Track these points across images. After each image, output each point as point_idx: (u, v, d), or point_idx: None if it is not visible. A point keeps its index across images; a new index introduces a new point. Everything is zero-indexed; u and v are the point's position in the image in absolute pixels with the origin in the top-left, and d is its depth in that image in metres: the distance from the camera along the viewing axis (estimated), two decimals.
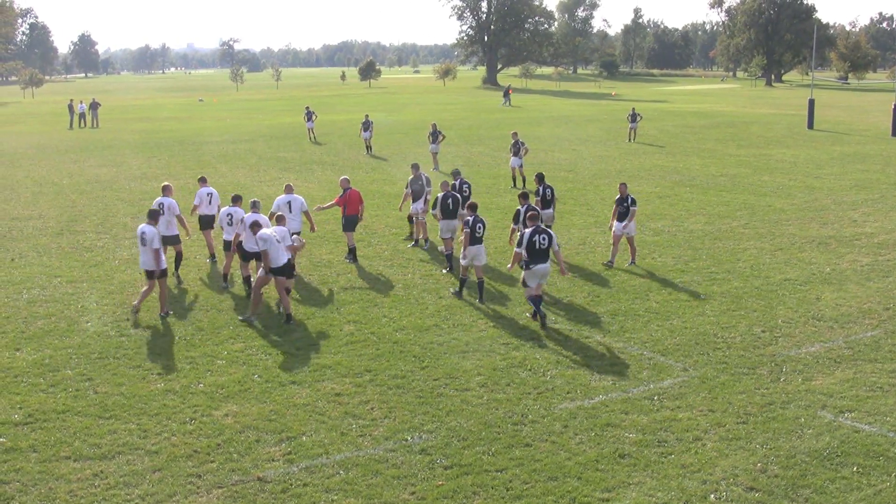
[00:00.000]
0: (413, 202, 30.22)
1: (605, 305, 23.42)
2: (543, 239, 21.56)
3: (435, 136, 52.99)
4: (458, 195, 28.32)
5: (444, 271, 27.17)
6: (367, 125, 61.65)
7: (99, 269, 27.80)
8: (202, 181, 28.84)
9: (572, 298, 24.10)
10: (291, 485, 14.00)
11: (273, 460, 14.73)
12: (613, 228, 27.80)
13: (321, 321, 22.26)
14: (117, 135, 78.11)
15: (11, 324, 22.22)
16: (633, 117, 67.42)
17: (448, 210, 27.46)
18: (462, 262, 24.08)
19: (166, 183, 27.60)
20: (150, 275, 22.75)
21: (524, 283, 22.04)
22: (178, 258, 26.75)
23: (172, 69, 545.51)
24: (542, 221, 23.11)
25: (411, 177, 30.34)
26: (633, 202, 27.59)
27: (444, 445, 15.19)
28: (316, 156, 58.54)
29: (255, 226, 22.42)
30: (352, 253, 28.49)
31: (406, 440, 15.39)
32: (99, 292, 25.15)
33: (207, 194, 27.99)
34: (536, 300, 21.91)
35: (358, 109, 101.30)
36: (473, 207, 24.43)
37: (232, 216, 25.00)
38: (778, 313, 22.63)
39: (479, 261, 24.00)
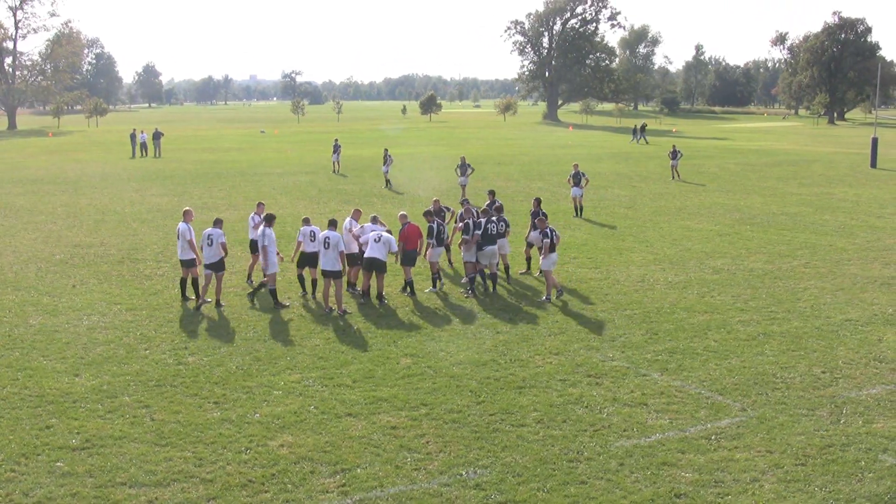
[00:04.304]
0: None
1: (663, 343, 23.25)
2: (492, 227, 28.73)
3: (464, 168, 54.89)
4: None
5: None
6: (386, 160, 62.30)
7: (158, 297, 28.05)
8: (305, 221, 29.05)
9: (630, 336, 23.97)
10: None
11: (327, 492, 14.73)
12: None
13: (378, 354, 22.29)
14: (179, 164, 79.01)
15: (71, 349, 22.48)
16: (674, 154, 67.25)
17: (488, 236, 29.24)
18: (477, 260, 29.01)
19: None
20: (333, 275, 26.17)
21: (477, 261, 28.72)
22: (194, 283, 27.87)
23: (234, 101, 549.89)
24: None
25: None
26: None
27: (499, 481, 15.12)
28: (376, 189, 58.82)
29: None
30: (409, 286, 28.55)
31: (461, 475, 15.34)
32: (158, 320, 25.39)
33: (310, 232, 28.26)
34: (493, 277, 29.06)
35: (418, 143, 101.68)
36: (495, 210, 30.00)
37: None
38: (838, 354, 22.35)
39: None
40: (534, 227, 31.34)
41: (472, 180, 54.85)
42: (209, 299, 27.36)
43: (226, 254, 27.20)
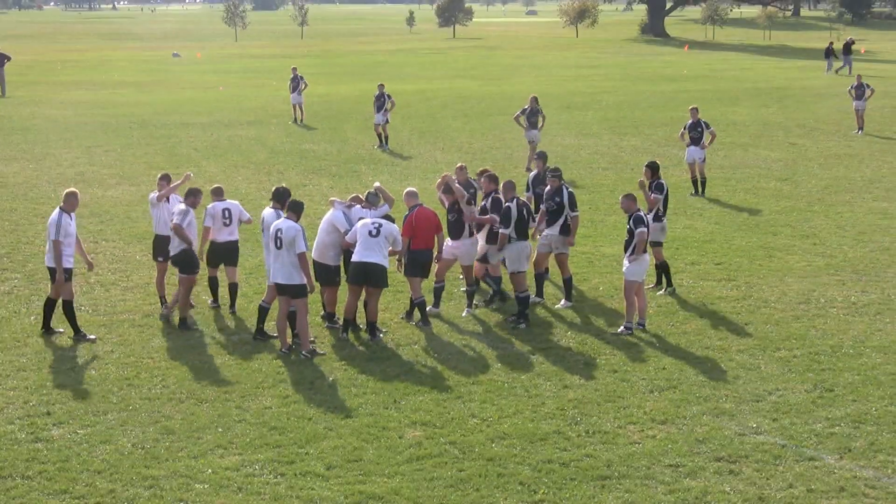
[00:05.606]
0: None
1: (843, 406, 22.94)
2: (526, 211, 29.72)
3: (534, 115, 52.54)
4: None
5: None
6: (380, 102, 61.15)
7: (3, 329, 27.97)
8: (216, 193, 29.29)
9: (787, 393, 23.72)
10: None
11: None
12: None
13: (368, 421, 22.20)
14: (37, 109, 79.08)
15: None
16: (860, 91, 66.33)
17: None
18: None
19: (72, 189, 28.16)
20: (292, 291, 26.07)
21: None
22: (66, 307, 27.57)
23: (126, 3, 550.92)
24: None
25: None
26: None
27: None
28: (364, 150, 58.71)
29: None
30: (419, 309, 28.15)
31: None
32: (3, 367, 25.33)
33: (224, 210, 28.54)
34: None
35: (434, 75, 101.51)
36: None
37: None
38: None
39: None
40: (649, 210, 30.66)
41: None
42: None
43: (189, 246, 27.52)
